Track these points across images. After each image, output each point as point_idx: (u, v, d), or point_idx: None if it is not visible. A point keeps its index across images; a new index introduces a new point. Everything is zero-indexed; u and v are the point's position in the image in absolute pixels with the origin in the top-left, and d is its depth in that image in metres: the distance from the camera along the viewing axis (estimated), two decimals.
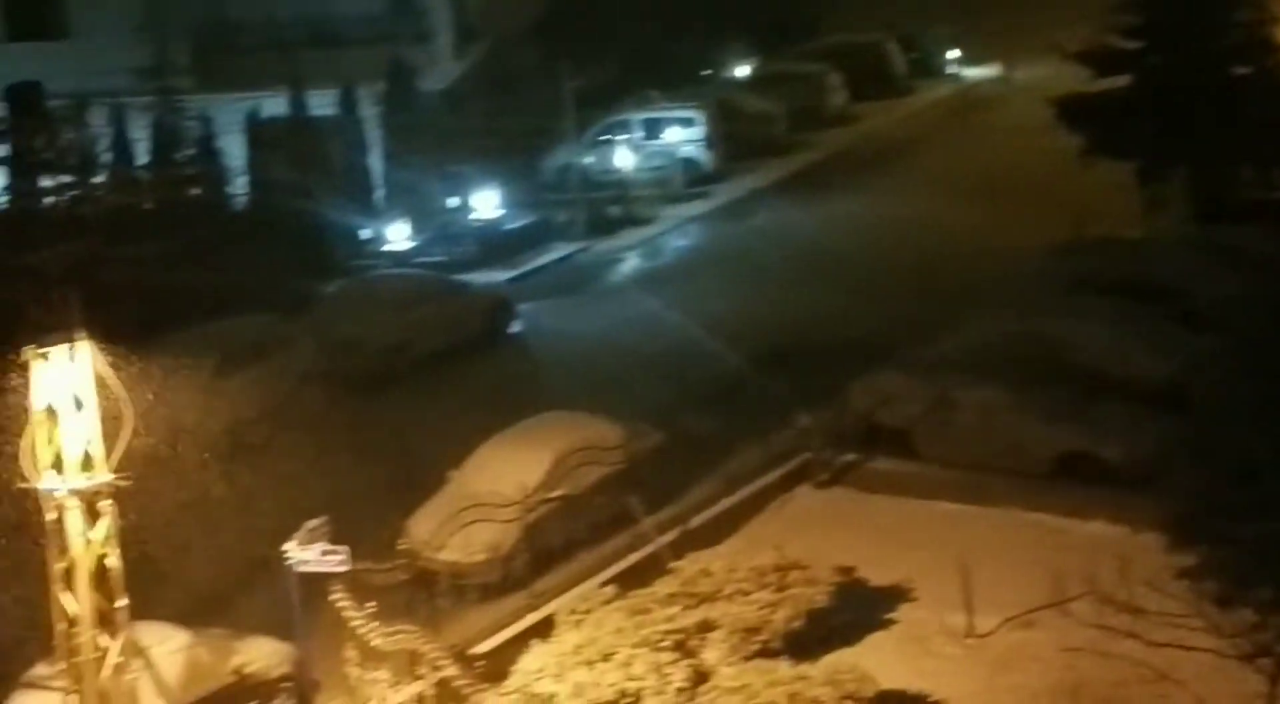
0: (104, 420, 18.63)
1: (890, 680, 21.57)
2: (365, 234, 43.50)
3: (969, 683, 21.96)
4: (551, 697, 20.21)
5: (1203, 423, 19.88)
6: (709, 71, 59.51)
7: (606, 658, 21.38)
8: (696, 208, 47.49)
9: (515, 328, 37.33)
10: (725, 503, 26.98)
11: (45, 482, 18.49)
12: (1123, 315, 29.49)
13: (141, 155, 40.72)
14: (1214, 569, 17.58)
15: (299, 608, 21.45)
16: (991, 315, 30.24)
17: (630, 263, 43.21)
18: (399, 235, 43.14)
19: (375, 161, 44.62)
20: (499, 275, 40.76)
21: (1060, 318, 29.19)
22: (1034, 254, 34.07)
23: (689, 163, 49.39)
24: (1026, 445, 26.75)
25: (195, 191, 40.33)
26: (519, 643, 22.74)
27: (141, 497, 20.32)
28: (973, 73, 62.43)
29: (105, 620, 18.97)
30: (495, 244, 43.01)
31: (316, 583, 21.58)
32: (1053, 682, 21.31)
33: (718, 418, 27.90)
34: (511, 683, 21.05)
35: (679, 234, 45.65)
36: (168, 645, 21.97)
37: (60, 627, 18.93)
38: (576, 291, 40.20)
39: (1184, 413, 24.32)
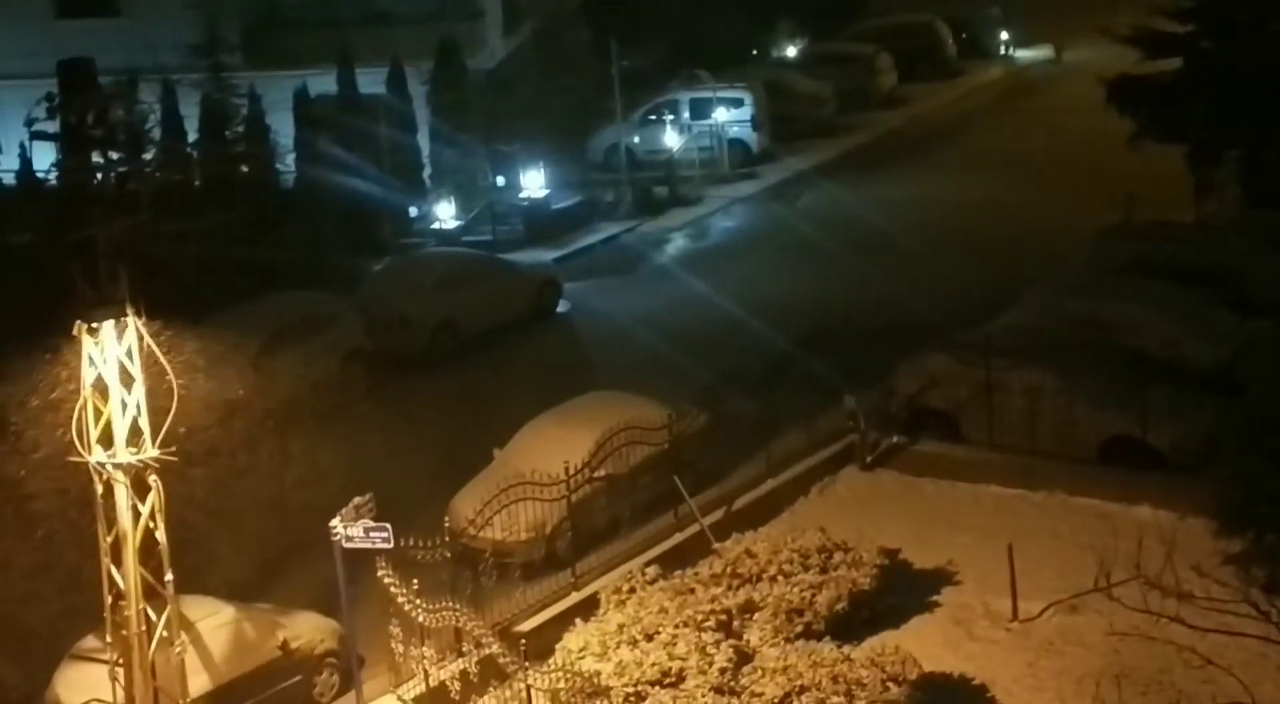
0: (152, 396, 18.75)
1: (933, 663, 21.55)
2: (413, 212, 43.59)
3: (1012, 667, 21.91)
4: (595, 675, 20.25)
5: (1252, 408, 19.75)
6: (757, 52, 59.38)
7: (650, 637, 21.42)
8: (744, 189, 47.41)
9: (562, 307, 37.36)
10: (770, 484, 26.98)
11: (93, 456, 18.64)
12: (1173, 299, 29.32)
13: (191, 132, 40.89)
14: (1261, 555, 17.47)
15: (344, 584, 21.54)
16: (1040, 298, 30.09)
17: (677, 243, 43.19)
18: (446, 213, 43.20)
19: (423, 140, 44.65)
20: (546, 255, 40.77)
21: (1110, 301, 29.05)
22: (1084, 237, 33.89)
23: (737, 143, 49.29)
24: (1074, 429, 26.64)
25: (244, 169, 40.44)
26: (562, 621, 22.82)
27: (188, 472, 20.48)
28: (1024, 54, 62.13)
29: (152, 594, 19.13)
30: (542, 223, 43.05)
31: (362, 559, 21.67)
32: (1097, 667, 21.24)
33: (764, 399, 27.85)
34: (555, 661, 21.11)
35: (726, 215, 45.60)
36: (214, 619, 22.11)
37: (108, 600, 19.09)
38: (623, 272, 40.20)
39: (1234, 397, 24.21)
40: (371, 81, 43.74)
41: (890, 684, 20.26)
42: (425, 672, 21.64)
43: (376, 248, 40.59)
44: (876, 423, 28.05)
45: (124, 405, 18.60)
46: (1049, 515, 25.72)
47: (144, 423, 18.70)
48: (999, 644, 22.53)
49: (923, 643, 22.19)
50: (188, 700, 19.61)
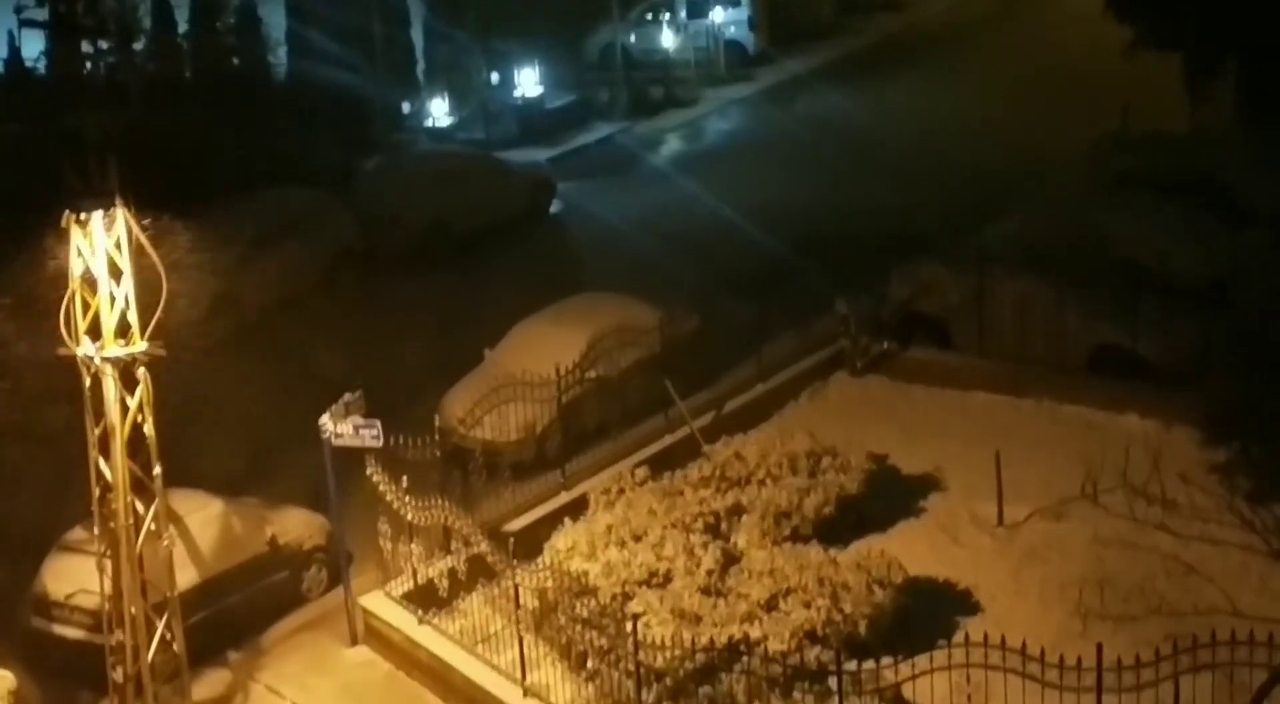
0: (141, 289, 18.69)
1: (919, 568, 21.66)
2: (405, 109, 43.31)
3: (997, 573, 22.04)
4: (582, 575, 20.35)
5: (1241, 320, 19.77)
6: None
7: (638, 538, 21.52)
8: (740, 90, 47.15)
9: (555, 207, 37.23)
10: (760, 388, 27.01)
11: (81, 349, 18.60)
12: (1166, 210, 29.23)
13: (182, 23, 40.50)
14: (1246, 465, 17.59)
15: (333, 480, 21.60)
16: (1033, 207, 30.01)
17: (671, 145, 43.01)
18: (439, 111, 42.94)
19: (417, 36, 44.29)
20: (540, 154, 40.59)
21: (1103, 211, 28.96)
22: (1079, 146, 33.75)
23: (733, 44, 48.94)
24: (1064, 338, 26.63)
25: (235, 61, 40.11)
26: (551, 522, 22.91)
27: (176, 366, 20.44)
28: None
29: (140, 487, 19.17)
30: (536, 123, 42.84)
31: (351, 456, 21.72)
32: (1081, 573, 21.36)
33: (755, 303, 27.83)
34: (543, 560, 21.21)
35: (721, 117, 45.37)
36: (202, 513, 22.20)
37: (96, 492, 19.13)
38: (617, 173, 40.04)
39: (1224, 309, 24.22)
40: None
41: (876, 588, 20.36)
42: (413, 569, 21.74)
43: (368, 145, 40.35)
44: (867, 329, 28.04)
45: (112, 298, 18.54)
46: (1037, 423, 25.80)
47: (132, 316, 18.65)
48: (984, 550, 22.65)
49: (909, 547, 22.29)
50: (175, 593, 19.69)
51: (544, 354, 25.03)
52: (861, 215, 33.28)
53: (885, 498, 23.50)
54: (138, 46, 36.16)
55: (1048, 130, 37.91)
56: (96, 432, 18.91)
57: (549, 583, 20.14)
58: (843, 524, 22.67)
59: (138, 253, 18.67)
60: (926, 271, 28.28)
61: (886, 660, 18.17)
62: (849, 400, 27.18)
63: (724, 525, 22.08)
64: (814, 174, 37.57)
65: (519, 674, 19.96)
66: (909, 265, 28.58)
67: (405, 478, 21.32)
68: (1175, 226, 28.73)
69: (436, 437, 22.16)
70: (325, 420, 21.39)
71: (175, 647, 19.72)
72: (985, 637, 17.31)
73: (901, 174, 36.47)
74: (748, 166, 39.29)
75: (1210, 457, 18.38)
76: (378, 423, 21.28)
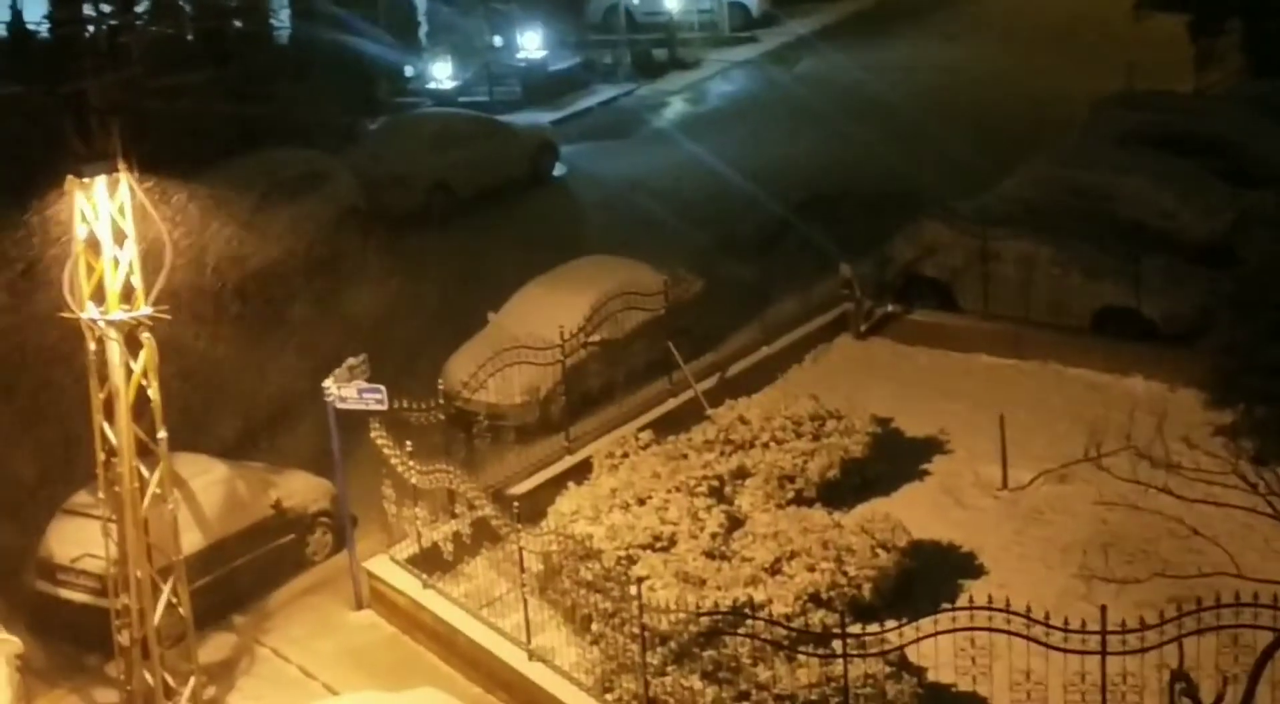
0: (144, 252, 18.68)
1: (923, 531, 21.70)
2: (409, 71, 43.20)
3: (1001, 535, 22.07)
4: (587, 538, 20.37)
5: (1246, 280, 19.71)
6: None
7: (642, 502, 21.53)
8: (743, 53, 47.02)
9: (558, 170, 37.16)
10: (764, 351, 27.00)
11: (86, 312, 18.59)
12: (1170, 170, 29.17)
13: None
14: (1251, 427, 17.54)
15: (337, 444, 21.61)
16: (1037, 168, 29.93)
17: (675, 107, 42.92)
18: (443, 73, 42.83)
19: None
20: (543, 117, 40.52)
21: (1107, 171, 28.91)
22: (1084, 106, 33.65)
23: (737, 6, 48.81)
24: (1068, 299, 26.62)
25: (238, 23, 40.02)
26: (555, 485, 22.92)
27: (180, 330, 20.45)
28: None
29: (145, 451, 19.18)
30: (539, 85, 42.74)
31: (355, 420, 21.73)
32: (1085, 535, 21.40)
33: (759, 266, 27.79)
34: (547, 524, 21.23)
35: (725, 79, 45.25)
36: (207, 477, 22.21)
37: (101, 456, 19.15)
38: (621, 135, 39.97)
39: (1228, 269, 24.17)
40: None
41: (879, 550, 20.39)
42: (418, 533, 21.77)
43: (371, 106, 40.29)
44: (871, 291, 28.01)
45: (116, 262, 18.52)
46: (1041, 385, 25.80)
47: (136, 280, 18.64)
48: (988, 512, 22.68)
49: (912, 510, 22.32)
50: (180, 557, 19.72)
51: (548, 317, 25.01)
52: (866, 177, 33.23)
53: (889, 461, 23.52)
54: (140, 8, 35.98)
55: (1053, 90, 37.83)
56: (101, 395, 18.92)
57: (553, 546, 20.17)
58: (847, 487, 22.69)
59: (141, 216, 18.65)
60: (930, 233, 28.25)
61: (890, 623, 18.18)
62: (853, 363, 27.17)
63: (728, 489, 22.10)
64: (818, 136, 37.50)
65: (524, 638, 20.00)
66: (912, 227, 28.54)
67: (409, 442, 21.32)
68: (1180, 186, 28.69)
69: (440, 400, 22.15)
70: (329, 384, 21.38)
71: (181, 610, 19.76)
72: (989, 599, 17.32)
73: (906, 135, 36.38)
74: (752, 129, 39.21)
75: (1214, 418, 18.34)
76: (382, 387, 21.27)
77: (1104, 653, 16.81)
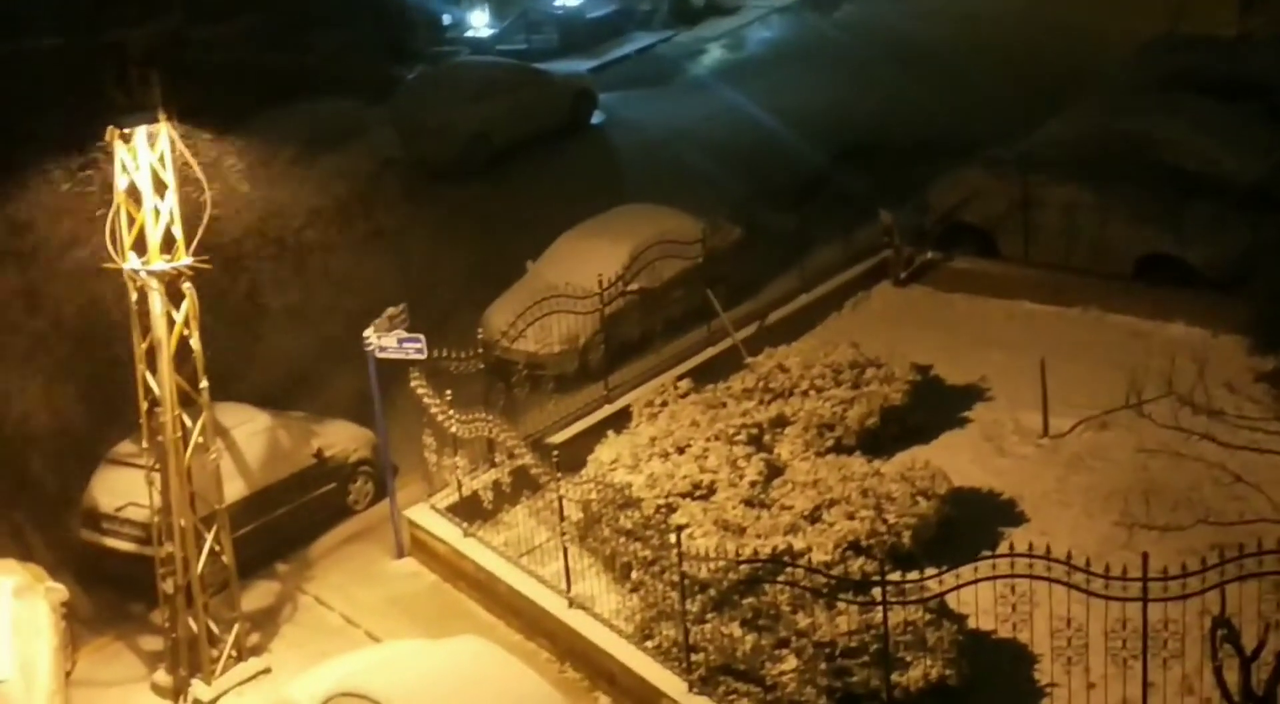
0: (185, 203, 18.74)
1: (963, 479, 21.67)
2: (446, 20, 43.07)
3: (1042, 482, 22.02)
4: (626, 487, 20.41)
5: None
6: None
7: (681, 450, 21.55)
8: None
9: (596, 118, 37.05)
10: (803, 299, 26.93)
11: (127, 263, 18.68)
12: (1213, 114, 28.91)
13: None
14: None
15: (377, 393, 21.68)
16: (1080, 113, 29.71)
17: (713, 54, 42.68)
18: (480, 22, 42.68)
19: None
20: (581, 65, 40.34)
21: (1150, 115, 28.66)
22: (1127, 50, 33.37)
23: None
24: (1110, 245, 26.46)
25: None
26: (595, 434, 22.96)
27: (221, 280, 20.53)
28: None
29: (187, 401, 19.29)
30: (577, 32, 42.54)
31: (395, 369, 21.79)
32: (1126, 482, 21.33)
33: (798, 213, 27.69)
34: (586, 473, 21.28)
35: (764, 25, 44.95)
36: (249, 426, 22.34)
37: (144, 406, 19.27)
38: (659, 83, 39.80)
39: (1273, 215, 24.00)
40: None
41: (919, 498, 20.38)
42: (458, 481, 21.86)
43: (409, 56, 40.19)
44: (911, 238, 27.90)
45: (157, 212, 18.59)
46: (1082, 332, 25.67)
47: (177, 230, 18.71)
48: (1028, 460, 22.63)
49: (953, 458, 22.29)
50: (223, 506, 19.86)
51: (587, 266, 25.00)
52: (906, 123, 33.04)
53: (929, 408, 23.47)
54: None
55: (1097, 34, 37.44)
56: (143, 345, 19.02)
57: (593, 495, 20.22)
58: (886, 435, 22.66)
59: (181, 167, 18.70)
60: (971, 179, 28.10)
61: (930, 571, 18.19)
62: (893, 310, 27.09)
63: (767, 437, 22.09)
64: (859, 82, 37.26)
65: (564, 585, 20.09)
66: (953, 173, 28.38)
67: (449, 391, 21.38)
68: (1223, 131, 28.43)
69: (480, 349, 22.19)
70: (369, 333, 21.45)
71: (224, 558, 19.92)
72: (1030, 546, 17.31)
73: (947, 80, 36.12)
74: (791, 75, 38.97)
75: (1257, 364, 18.25)
76: (421, 336, 21.33)
77: (1145, 600, 16.77)
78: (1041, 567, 17.06)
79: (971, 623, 18.42)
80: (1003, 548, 18.25)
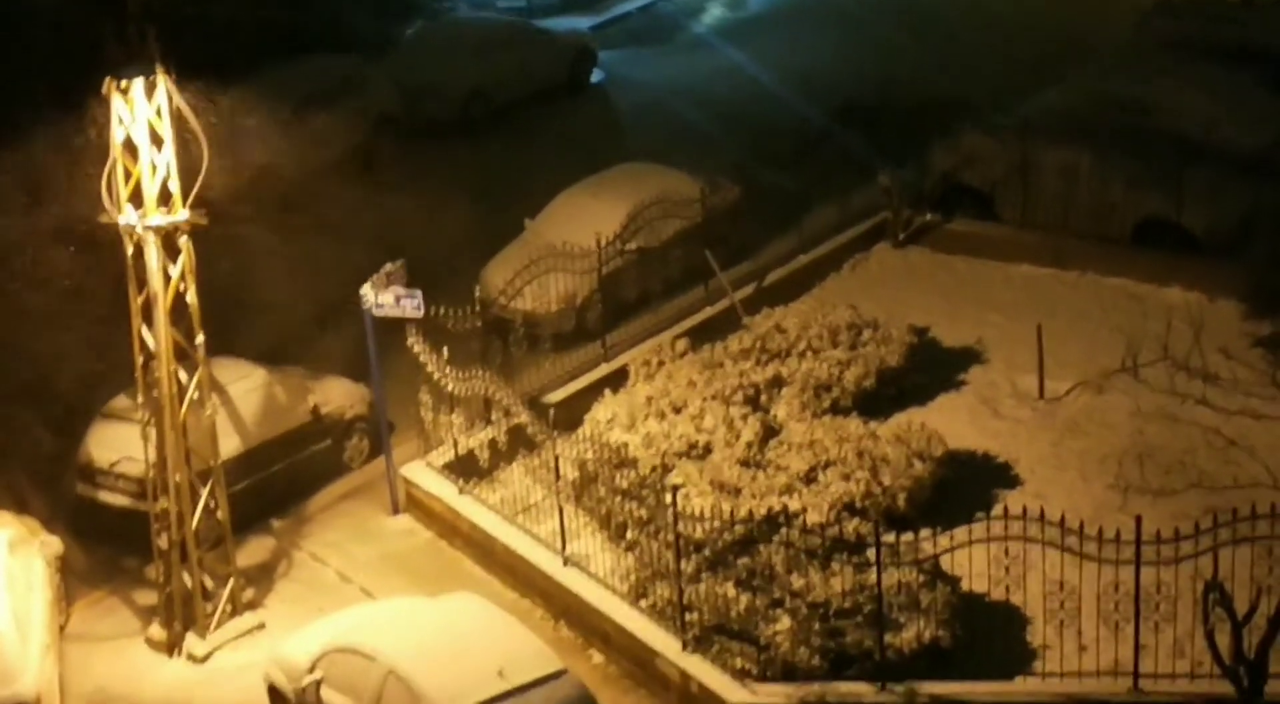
0: (182, 157, 18.68)
1: (959, 441, 21.69)
2: None
3: (1037, 445, 22.05)
4: (622, 446, 20.42)
5: None
6: None
7: (678, 410, 21.56)
8: None
9: (596, 77, 36.91)
10: (801, 259, 26.89)
11: (124, 217, 18.63)
12: (1215, 80, 28.81)
13: None
14: None
15: (374, 351, 21.67)
16: (1080, 76, 29.62)
17: (714, 13, 42.40)
18: None
19: None
20: (581, 22, 40.15)
21: (1151, 81, 28.57)
22: (1130, 14, 33.24)
23: None
24: (1109, 210, 26.42)
25: None
26: (591, 393, 22.97)
27: (218, 234, 20.46)
28: None
29: (183, 355, 19.27)
30: None
31: (392, 326, 21.76)
32: (1122, 446, 21.36)
33: (798, 174, 27.62)
34: (583, 432, 21.28)
35: None
36: (245, 382, 22.33)
37: (139, 361, 19.24)
38: (659, 41, 39.60)
39: (1272, 181, 23.95)
40: None
41: (915, 460, 20.41)
42: (454, 439, 21.86)
43: (408, 11, 39.96)
44: (911, 200, 27.85)
45: (154, 166, 18.54)
46: (1080, 296, 25.66)
47: (174, 184, 18.65)
48: (1025, 422, 22.65)
49: (949, 420, 22.31)
50: (218, 461, 19.86)
51: (585, 225, 24.96)
52: (907, 84, 32.89)
53: (926, 370, 23.49)
54: None
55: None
56: (139, 300, 18.99)
57: (589, 454, 20.24)
58: (883, 396, 22.68)
59: (178, 120, 18.64)
60: (970, 141, 28.03)
61: (925, 533, 18.24)
62: (891, 272, 27.06)
63: (764, 397, 22.11)
64: (860, 43, 37.07)
65: (559, 544, 20.12)
66: (953, 135, 28.31)
67: (446, 348, 21.37)
68: (1225, 96, 28.34)
69: (477, 307, 22.16)
70: (366, 290, 21.43)
71: (219, 514, 19.94)
72: (1024, 509, 17.35)
73: (948, 42, 35.96)
74: (792, 35, 38.76)
75: (1253, 329, 18.25)
76: (418, 293, 21.31)
77: (1138, 563, 16.84)
78: (1035, 529, 17.12)
79: (965, 585, 18.49)
80: (997, 510, 18.31)
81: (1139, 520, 16.89)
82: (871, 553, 17.60)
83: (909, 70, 34.06)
